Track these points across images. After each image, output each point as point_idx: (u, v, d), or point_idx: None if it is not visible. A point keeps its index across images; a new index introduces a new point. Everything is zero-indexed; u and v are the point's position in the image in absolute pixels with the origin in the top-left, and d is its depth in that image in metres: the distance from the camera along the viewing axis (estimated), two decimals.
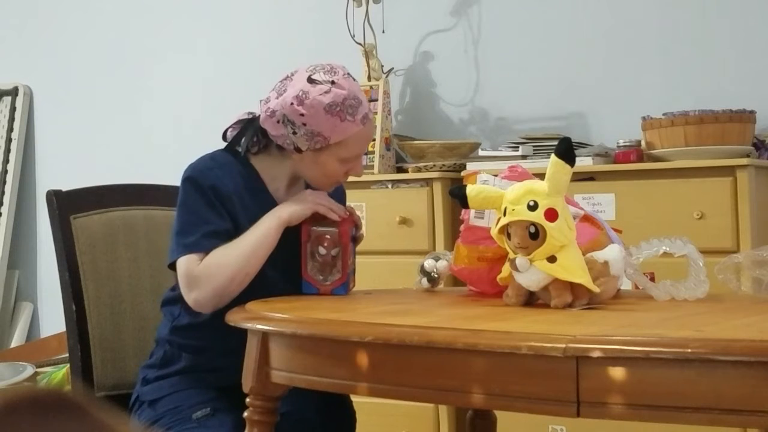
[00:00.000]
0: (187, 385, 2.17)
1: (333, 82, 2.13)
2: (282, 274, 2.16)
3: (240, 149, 2.20)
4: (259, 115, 2.18)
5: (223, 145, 2.24)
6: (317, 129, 2.11)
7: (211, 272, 2.06)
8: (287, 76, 2.17)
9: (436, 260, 2.27)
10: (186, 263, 2.08)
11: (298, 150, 2.15)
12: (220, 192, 2.12)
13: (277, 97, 2.14)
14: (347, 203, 2.30)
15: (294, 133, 2.12)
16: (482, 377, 1.60)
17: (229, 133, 2.24)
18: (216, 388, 2.15)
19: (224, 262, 2.07)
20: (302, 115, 2.10)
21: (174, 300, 2.21)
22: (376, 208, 3.41)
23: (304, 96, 2.11)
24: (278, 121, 2.13)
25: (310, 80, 2.13)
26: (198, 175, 2.14)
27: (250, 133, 2.20)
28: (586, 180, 3.12)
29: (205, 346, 2.17)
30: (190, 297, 2.09)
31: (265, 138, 2.20)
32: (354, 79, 2.19)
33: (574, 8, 3.63)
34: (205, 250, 2.09)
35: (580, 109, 3.61)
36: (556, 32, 3.66)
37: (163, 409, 2.16)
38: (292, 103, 2.11)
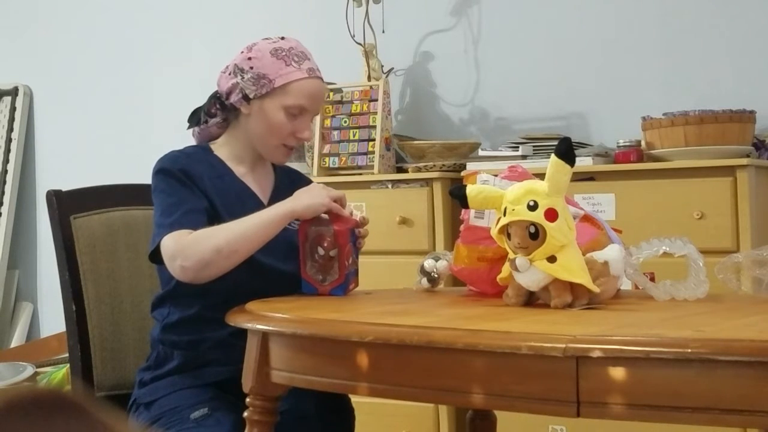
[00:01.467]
0: (184, 385, 2.17)
1: (282, 38, 2.27)
2: (276, 260, 2.16)
3: (200, 120, 2.29)
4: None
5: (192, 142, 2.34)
6: (263, 71, 2.21)
7: (199, 241, 2.07)
8: None
9: (436, 260, 2.27)
10: (173, 238, 2.08)
11: (246, 98, 2.21)
12: (191, 173, 2.18)
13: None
14: (348, 204, 2.30)
15: (242, 78, 2.21)
16: (482, 377, 1.60)
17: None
18: (213, 387, 2.16)
19: (214, 234, 2.08)
20: (250, 59, 2.22)
21: (163, 300, 2.23)
22: (376, 208, 3.41)
23: (253, 45, 2.26)
24: (230, 74, 2.24)
25: (264, 39, 2.27)
26: (166, 164, 2.20)
27: (207, 102, 2.30)
28: (586, 180, 3.12)
29: (197, 340, 2.18)
30: (174, 265, 2.07)
31: (222, 108, 2.27)
32: (306, 48, 2.29)
33: (575, 8, 3.63)
34: (191, 226, 2.10)
35: (580, 109, 3.61)
36: (557, 32, 3.66)
37: (160, 410, 2.16)
38: (242, 52, 2.25)
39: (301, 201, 2.13)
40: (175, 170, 2.18)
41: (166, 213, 2.13)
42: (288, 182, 2.35)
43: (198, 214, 2.13)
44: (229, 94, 2.24)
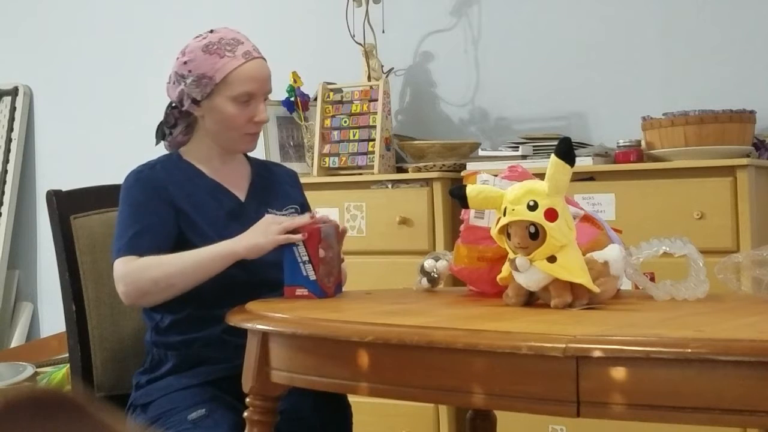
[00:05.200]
0: (180, 386, 2.17)
1: (211, 31, 2.27)
2: (267, 258, 2.14)
3: (165, 134, 2.31)
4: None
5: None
6: (201, 72, 2.21)
7: (141, 270, 2.11)
8: None
9: (436, 260, 2.27)
10: (121, 263, 2.14)
11: (196, 102, 2.22)
12: (154, 184, 2.21)
13: None
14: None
15: (185, 84, 2.22)
16: (482, 377, 1.60)
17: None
18: (210, 387, 2.15)
19: (155, 264, 2.12)
20: (185, 63, 2.23)
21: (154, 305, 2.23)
22: (376, 208, 3.41)
23: (185, 48, 2.26)
24: (173, 83, 2.25)
25: (194, 38, 2.27)
26: (129, 178, 2.24)
27: (165, 116, 2.31)
28: (586, 180, 3.12)
29: (189, 340, 2.19)
30: (118, 290, 2.14)
31: (181, 116, 2.29)
32: (237, 31, 2.28)
33: (575, 8, 3.63)
34: (139, 251, 2.14)
35: (580, 109, 3.61)
36: (557, 32, 3.66)
37: (157, 412, 2.16)
38: (177, 58, 2.25)
39: (242, 242, 2.10)
40: (133, 184, 2.22)
41: (119, 235, 2.18)
42: (266, 174, 2.36)
43: (149, 235, 2.15)
44: (180, 102, 2.25)
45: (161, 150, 2.38)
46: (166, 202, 2.19)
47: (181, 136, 2.32)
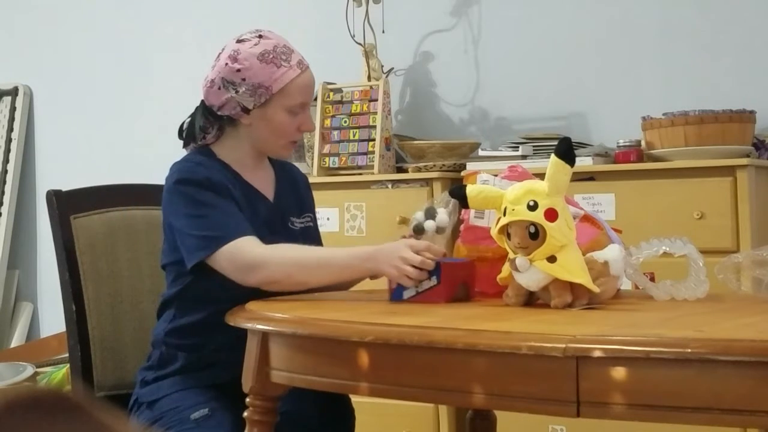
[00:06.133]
0: (185, 386, 2.17)
1: (260, 36, 2.20)
2: None
3: (197, 138, 2.24)
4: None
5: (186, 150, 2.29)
6: (257, 81, 2.15)
7: (276, 257, 2.05)
8: (219, 52, 2.24)
9: (432, 216, 2.13)
10: (235, 248, 2.06)
11: (246, 110, 2.17)
12: (214, 182, 2.15)
13: (212, 69, 2.21)
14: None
15: (237, 92, 2.16)
16: (482, 377, 1.60)
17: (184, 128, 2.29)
18: (214, 388, 2.15)
19: (293, 257, 2.07)
20: (239, 71, 2.16)
21: (171, 301, 2.21)
22: (376, 208, 3.41)
23: (236, 53, 2.18)
24: (219, 88, 2.18)
25: (238, 41, 2.20)
26: (188, 174, 2.16)
27: (199, 116, 2.24)
28: (586, 180, 3.12)
29: (200, 344, 2.18)
30: (254, 277, 2.05)
31: (216, 120, 2.22)
32: (282, 37, 2.24)
33: (574, 8, 3.63)
34: (246, 233, 2.07)
35: (580, 109, 3.61)
36: (556, 32, 3.66)
37: (161, 410, 2.16)
38: (226, 64, 2.17)
39: (381, 265, 2.03)
40: (202, 179, 2.14)
41: (208, 225, 2.09)
42: (284, 174, 2.35)
43: (242, 219, 2.11)
44: (222, 106, 2.20)
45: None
46: (231, 196, 2.16)
47: (212, 139, 2.25)
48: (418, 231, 2.12)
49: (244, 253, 2.06)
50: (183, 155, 2.29)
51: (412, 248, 2.01)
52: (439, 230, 2.13)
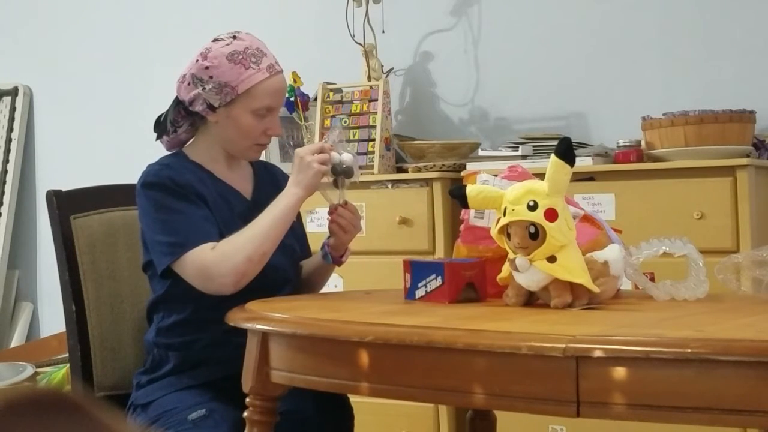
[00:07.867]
0: (181, 386, 2.17)
1: (234, 37, 2.22)
2: (271, 259, 2.15)
3: (168, 131, 2.27)
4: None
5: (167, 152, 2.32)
6: (223, 80, 2.17)
7: (228, 255, 2.07)
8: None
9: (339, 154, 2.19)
10: (195, 256, 2.08)
11: (212, 108, 2.19)
12: (180, 183, 2.17)
13: (186, 65, 2.24)
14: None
15: (204, 89, 2.18)
16: (482, 377, 1.60)
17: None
18: (210, 388, 2.15)
19: (239, 243, 2.08)
20: (207, 68, 2.18)
21: (156, 304, 2.23)
22: (376, 208, 3.41)
23: (207, 51, 2.20)
24: (189, 84, 2.21)
25: (214, 40, 2.23)
26: (153, 178, 2.19)
27: (172, 110, 2.28)
28: (586, 180, 3.12)
29: (190, 341, 2.19)
30: (211, 285, 2.08)
31: (188, 115, 2.26)
32: (259, 40, 2.25)
33: (575, 8, 3.63)
34: (208, 239, 2.10)
35: (580, 109, 3.61)
36: (556, 32, 3.66)
37: (157, 412, 2.16)
38: (197, 60, 2.20)
39: (302, 184, 2.13)
40: (166, 182, 2.16)
41: (172, 230, 2.12)
42: (267, 174, 2.36)
43: (206, 223, 2.13)
44: (191, 102, 2.22)
45: (162, 150, 2.37)
46: (200, 198, 2.18)
47: (184, 134, 2.29)
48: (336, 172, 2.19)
49: (196, 263, 2.08)
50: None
51: (304, 150, 2.15)
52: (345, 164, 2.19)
